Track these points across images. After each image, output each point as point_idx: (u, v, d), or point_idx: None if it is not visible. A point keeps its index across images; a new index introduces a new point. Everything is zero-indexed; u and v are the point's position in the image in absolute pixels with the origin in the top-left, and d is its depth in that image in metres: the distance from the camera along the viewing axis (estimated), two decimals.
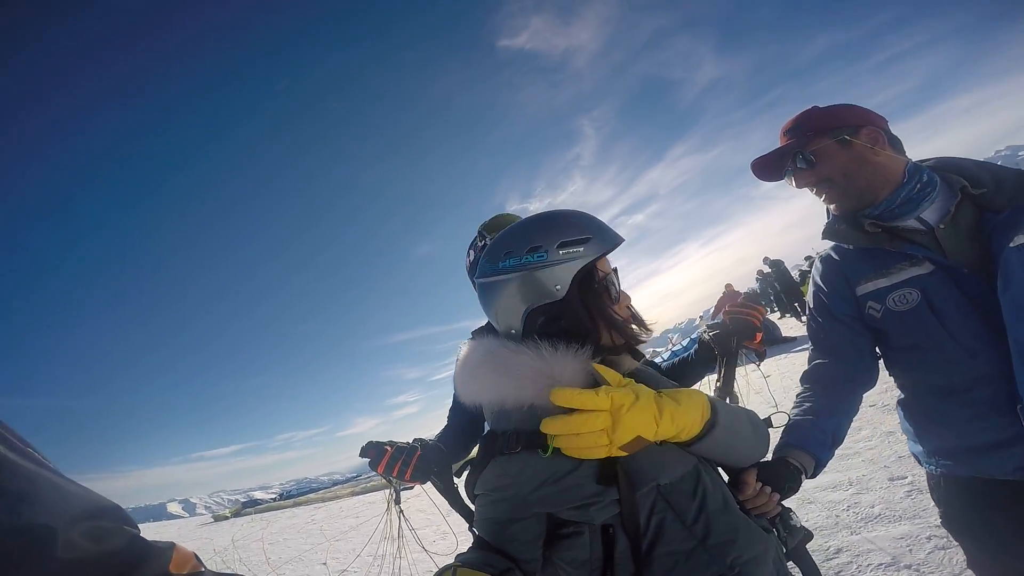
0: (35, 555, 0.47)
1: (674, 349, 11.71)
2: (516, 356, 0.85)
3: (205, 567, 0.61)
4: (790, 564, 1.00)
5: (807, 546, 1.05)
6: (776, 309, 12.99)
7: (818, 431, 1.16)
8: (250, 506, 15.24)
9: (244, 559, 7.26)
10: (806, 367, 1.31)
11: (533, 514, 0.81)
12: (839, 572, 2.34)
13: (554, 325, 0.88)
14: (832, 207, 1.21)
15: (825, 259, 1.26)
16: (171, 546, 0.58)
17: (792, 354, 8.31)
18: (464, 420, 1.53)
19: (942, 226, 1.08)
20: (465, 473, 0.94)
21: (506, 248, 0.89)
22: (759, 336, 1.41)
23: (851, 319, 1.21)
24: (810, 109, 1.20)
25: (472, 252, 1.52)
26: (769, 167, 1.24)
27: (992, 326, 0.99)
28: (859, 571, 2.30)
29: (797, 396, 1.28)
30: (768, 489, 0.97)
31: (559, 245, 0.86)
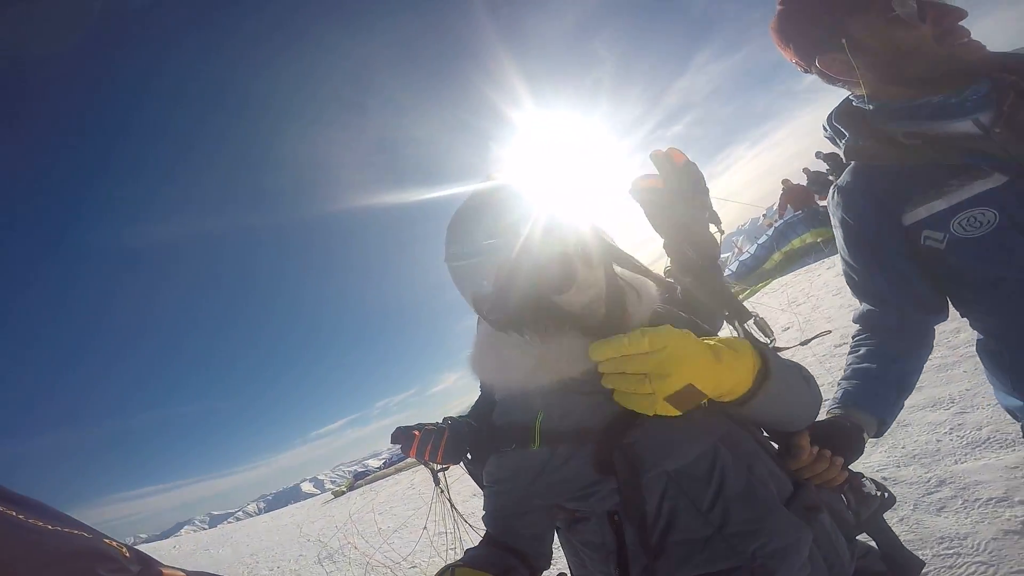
0: None
1: (742, 259, 11.03)
2: (508, 336, 0.82)
3: None
4: (864, 536, 0.90)
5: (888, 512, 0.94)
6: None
7: (879, 383, 1.01)
8: (361, 477, 16.86)
9: (361, 531, 8.07)
10: (855, 307, 1.12)
11: (537, 507, 0.82)
12: (942, 508, 2.09)
13: None
14: (866, 96, 0.94)
15: (849, 189, 1.01)
16: (156, 575, 0.57)
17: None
18: (491, 396, 1.52)
19: (998, 130, 0.83)
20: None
21: None
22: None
23: (900, 258, 0.97)
24: (777, 17, 0.99)
25: None
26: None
27: None
28: (965, 507, 2.03)
29: (852, 338, 1.10)
30: (828, 453, 0.84)
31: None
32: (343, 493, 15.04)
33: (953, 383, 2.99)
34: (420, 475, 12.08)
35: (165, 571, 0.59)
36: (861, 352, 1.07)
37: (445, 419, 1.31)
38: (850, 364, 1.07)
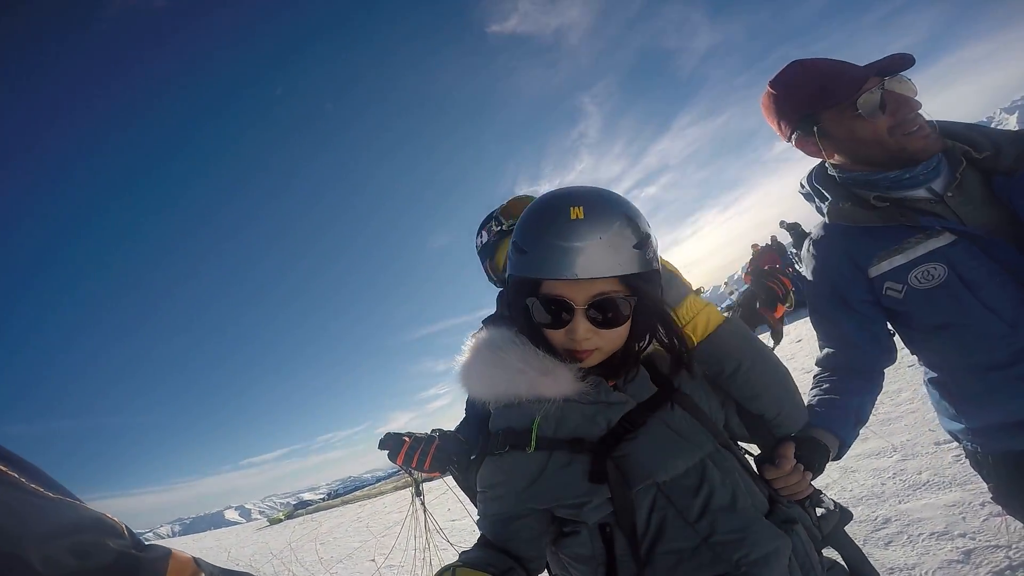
0: (11, 573, 0.46)
1: None
2: (510, 347, 0.85)
3: (207, 570, 0.59)
4: (828, 550, 0.95)
5: (848, 526, 0.99)
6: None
7: (842, 411, 1.09)
8: (301, 508, 15.83)
9: (300, 559, 7.57)
10: (818, 352, 1.24)
11: (532, 511, 0.82)
12: (889, 543, 2.28)
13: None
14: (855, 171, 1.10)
15: (822, 242, 1.15)
16: (167, 554, 0.57)
17: None
18: (481, 411, 1.52)
19: (950, 194, 1.00)
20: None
21: None
22: (780, 309, 1.35)
23: (866, 305, 1.11)
24: (765, 97, 1.15)
25: (486, 234, 1.49)
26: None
27: None
28: (910, 541, 2.24)
29: (815, 377, 1.21)
30: (802, 467, 0.91)
31: (513, 248, 0.85)
32: (280, 521, 14.04)
33: (895, 435, 3.29)
34: (368, 508, 11.51)
35: (176, 553, 0.59)
36: (825, 387, 1.16)
37: (434, 430, 1.34)
38: (815, 395, 1.15)
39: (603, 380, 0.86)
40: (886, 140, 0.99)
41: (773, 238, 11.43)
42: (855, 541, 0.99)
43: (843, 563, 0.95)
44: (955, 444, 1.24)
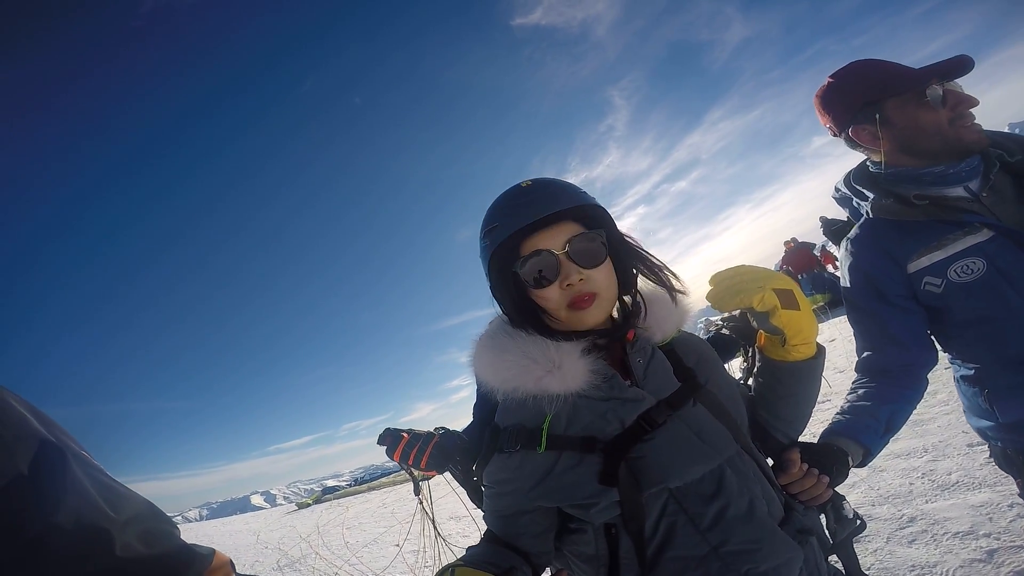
0: (96, 554, 0.51)
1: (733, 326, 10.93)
2: (514, 340, 0.85)
3: (237, 574, 0.65)
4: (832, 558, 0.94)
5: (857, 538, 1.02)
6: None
7: (870, 418, 1.08)
8: (330, 492, 16.23)
9: (327, 543, 7.81)
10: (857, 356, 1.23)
11: (539, 507, 0.82)
12: (913, 541, 2.28)
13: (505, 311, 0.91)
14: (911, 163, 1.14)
15: (861, 240, 1.18)
16: (211, 552, 0.63)
17: None
18: (488, 415, 1.51)
19: (984, 193, 1.06)
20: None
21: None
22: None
23: (905, 299, 1.13)
24: (825, 88, 1.18)
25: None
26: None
27: None
28: (934, 540, 2.23)
29: (852, 384, 1.21)
30: (816, 471, 0.90)
31: (482, 235, 0.88)
32: (308, 505, 14.49)
33: (928, 435, 3.25)
34: (394, 495, 11.75)
35: (218, 552, 0.64)
36: (859, 392, 1.15)
37: (437, 428, 1.31)
38: (847, 401, 1.15)
39: (617, 374, 0.85)
40: (946, 130, 1.06)
41: (795, 239, 10.83)
42: (880, 538, 0.99)
43: (842, 570, 0.95)
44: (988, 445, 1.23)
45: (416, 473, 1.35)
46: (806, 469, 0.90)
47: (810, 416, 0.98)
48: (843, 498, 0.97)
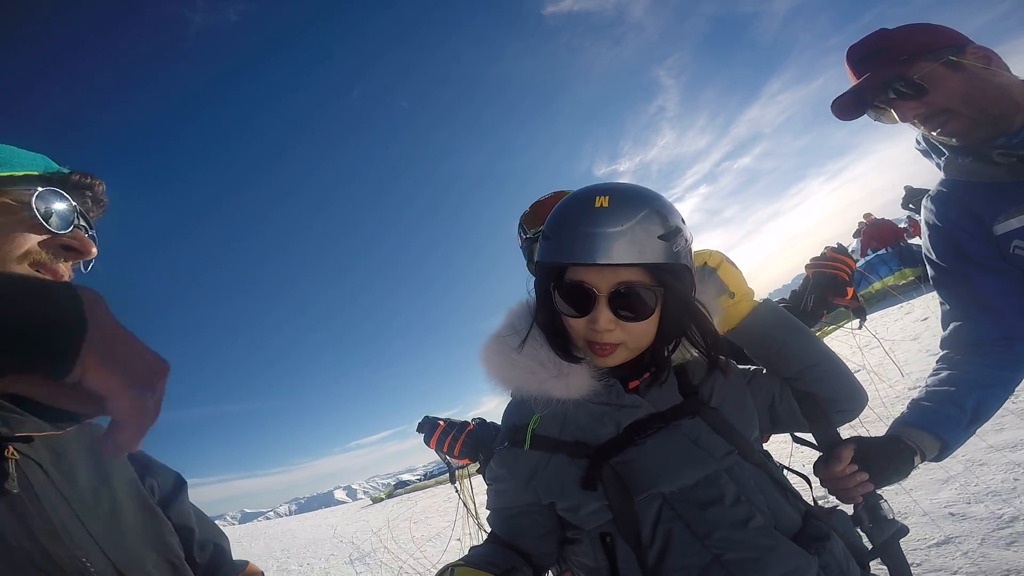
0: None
1: None
2: (528, 342, 0.83)
3: None
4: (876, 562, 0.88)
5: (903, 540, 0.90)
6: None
7: (952, 406, 0.96)
8: (400, 487, 17.04)
9: (395, 537, 8.18)
10: (943, 332, 1.09)
11: (537, 507, 0.82)
12: (1012, 543, 1.98)
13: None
14: (954, 140, 1.00)
15: (943, 198, 1.05)
16: (244, 564, 0.70)
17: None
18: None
19: None
20: None
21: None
22: (850, 291, 1.23)
23: (994, 260, 0.99)
24: (882, 31, 1.02)
25: (519, 238, 1.52)
26: (848, 104, 1.07)
27: None
28: None
29: (936, 363, 1.07)
30: (855, 468, 0.85)
31: (532, 231, 0.88)
32: (382, 500, 15.27)
33: None
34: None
35: (251, 564, 0.73)
36: (942, 375, 1.04)
37: (475, 419, 1.37)
38: (928, 385, 1.04)
39: (618, 382, 0.83)
40: (1021, 89, 0.95)
41: (871, 215, 9.99)
42: (973, 539, 0.89)
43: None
44: None
45: (451, 461, 1.40)
46: (849, 469, 0.85)
47: (855, 387, 0.90)
48: (880, 497, 0.91)
